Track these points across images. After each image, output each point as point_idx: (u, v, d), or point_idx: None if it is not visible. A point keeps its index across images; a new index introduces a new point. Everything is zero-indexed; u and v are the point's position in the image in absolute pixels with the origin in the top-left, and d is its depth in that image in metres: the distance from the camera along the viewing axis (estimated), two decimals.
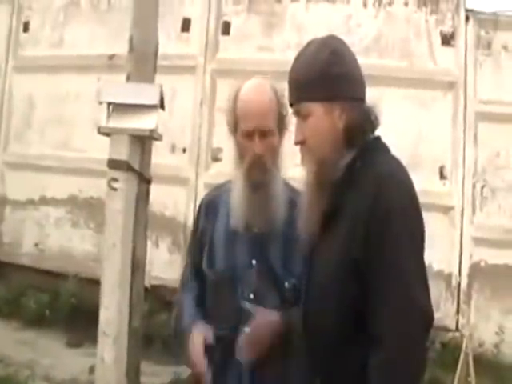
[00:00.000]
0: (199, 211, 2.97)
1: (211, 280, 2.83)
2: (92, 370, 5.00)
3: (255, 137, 2.70)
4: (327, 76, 2.21)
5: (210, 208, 2.91)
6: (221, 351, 2.76)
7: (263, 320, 2.68)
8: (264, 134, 2.71)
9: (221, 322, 2.78)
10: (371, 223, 2.08)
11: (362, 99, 2.28)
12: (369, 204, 2.09)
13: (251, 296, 2.73)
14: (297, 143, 2.31)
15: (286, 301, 2.72)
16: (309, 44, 2.31)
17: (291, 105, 2.34)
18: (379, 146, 2.28)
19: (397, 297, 2.02)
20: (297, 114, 2.31)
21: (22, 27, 9.66)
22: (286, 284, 2.74)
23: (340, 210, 2.18)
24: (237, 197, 2.77)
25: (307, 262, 2.33)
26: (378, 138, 2.30)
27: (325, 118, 2.23)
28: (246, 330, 2.67)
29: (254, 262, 2.75)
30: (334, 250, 2.16)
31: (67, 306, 7.96)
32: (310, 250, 2.32)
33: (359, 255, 2.08)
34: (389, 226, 2.07)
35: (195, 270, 2.91)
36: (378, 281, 2.05)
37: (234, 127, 2.77)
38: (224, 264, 2.80)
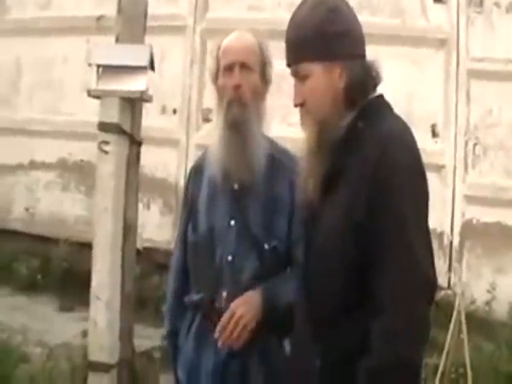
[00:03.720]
0: (188, 179, 2.97)
1: (191, 242, 2.82)
2: (85, 334, 4.99)
3: (235, 70, 2.71)
4: (325, 34, 2.13)
5: (197, 174, 2.90)
6: (200, 316, 2.76)
7: (241, 302, 2.63)
8: (244, 67, 2.71)
9: (200, 285, 2.78)
10: (375, 185, 2.01)
11: (363, 55, 2.20)
12: (372, 166, 2.02)
13: (229, 258, 2.70)
14: (296, 105, 2.22)
15: (266, 263, 2.70)
16: (305, 1, 2.22)
17: (289, 65, 2.24)
18: (381, 105, 2.21)
19: (400, 262, 1.97)
20: (295, 75, 2.22)
21: None
22: (266, 246, 2.71)
23: (342, 171, 2.11)
24: (216, 141, 2.75)
25: (308, 227, 2.27)
26: (381, 96, 2.22)
27: (324, 77, 2.15)
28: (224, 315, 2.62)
29: (232, 222, 2.73)
30: (335, 213, 2.10)
31: (59, 271, 7.95)
32: (310, 214, 2.25)
33: (362, 218, 2.02)
34: (392, 189, 2.01)
35: (183, 236, 2.89)
36: (380, 245, 2.00)
37: (216, 72, 2.77)
38: (205, 226, 2.78)
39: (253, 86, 2.72)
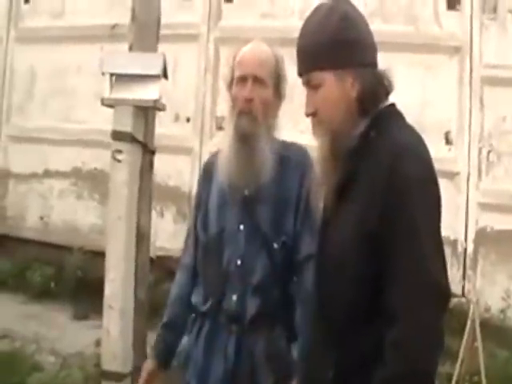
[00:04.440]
0: (199, 178, 3.02)
1: (202, 243, 2.85)
2: (98, 343, 5.00)
3: (248, 82, 2.72)
4: (337, 43, 2.12)
5: (207, 174, 2.93)
6: (208, 327, 2.78)
7: None
8: (257, 80, 2.72)
9: (208, 288, 2.80)
10: (388, 195, 2.01)
11: (374, 64, 2.20)
12: (385, 176, 2.02)
13: (238, 262, 2.73)
14: (308, 115, 2.21)
15: (276, 261, 2.72)
16: (317, 9, 2.21)
17: (300, 75, 2.23)
18: (393, 114, 2.20)
19: (413, 273, 1.96)
20: (307, 84, 2.21)
21: None
22: (275, 245, 2.73)
23: (354, 180, 2.11)
24: (225, 150, 2.77)
25: (321, 235, 2.27)
26: (393, 105, 2.21)
27: (337, 86, 2.14)
28: None
29: (241, 227, 2.75)
30: (348, 222, 2.10)
31: (73, 279, 7.96)
32: (324, 222, 2.26)
33: (375, 228, 2.01)
34: (406, 199, 2.00)
35: (195, 237, 2.92)
36: (393, 256, 1.99)
37: (231, 81, 2.79)
38: (215, 228, 2.80)
39: (264, 100, 2.73)
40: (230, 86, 2.80)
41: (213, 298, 2.76)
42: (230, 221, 2.78)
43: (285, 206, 2.76)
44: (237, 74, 2.75)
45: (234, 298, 2.72)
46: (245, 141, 2.73)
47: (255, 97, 2.71)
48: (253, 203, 2.75)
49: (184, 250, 3.01)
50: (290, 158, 2.79)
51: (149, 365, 2.99)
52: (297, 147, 2.86)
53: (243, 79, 2.73)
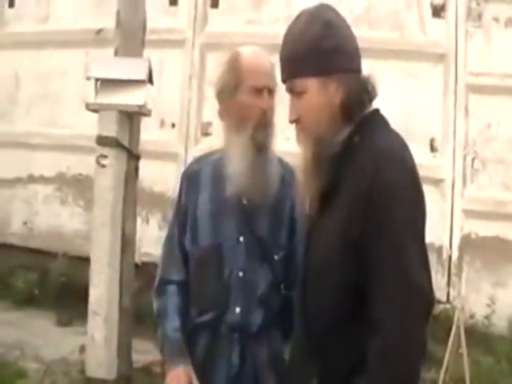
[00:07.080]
0: (181, 186, 2.89)
1: (195, 257, 2.76)
2: (83, 349, 4.96)
3: (264, 93, 2.68)
4: (321, 49, 2.10)
5: (192, 182, 2.84)
6: (207, 337, 2.73)
7: None
8: (271, 93, 2.70)
9: (206, 302, 2.73)
10: (370, 203, 1.98)
11: (358, 70, 2.18)
12: (368, 183, 1.99)
13: (240, 274, 2.69)
14: (292, 122, 2.19)
15: (277, 274, 2.71)
16: (299, 16, 2.19)
17: (284, 81, 2.21)
18: (377, 120, 2.18)
19: (396, 280, 1.94)
20: (290, 91, 2.19)
21: (7, 2, 9.52)
22: (276, 257, 2.72)
23: (338, 187, 2.08)
24: (238, 161, 2.69)
25: (306, 242, 2.25)
26: (377, 111, 2.19)
27: (320, 93, 2.12)
28: None
29: (241, 238, 2.71)
30: (331, 229, 2.07)
31: (57, 285, 7.89)
32: (309, 230, 2.24)
33: (357, 235, 1.99)
34: (388, 206, 1.98)
35: (180, 247, 2.82)
36: (376, 263, 1.97)
37: (235, 87, 2.70)
38: (209, 240, 2.74)
39: (274, 111, 2.72)
40: (233, 91, 2.70)
41: (213, 311, 2.70)
42: (227, 232, 2.72)
43: (280, 221, 2.74)
44: (252, 83, 2.68)
45: (238, 310, 2.68)
46: (261, 152, 2.70)
47: (269, 109, 2.69)
48: (251, 212, 2.72)
49: (167, 265, 2.87)
50: (284, 175, 2.76)
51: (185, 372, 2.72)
52: (288, 165, 2.82)
53: (259, 90, 2.68)
